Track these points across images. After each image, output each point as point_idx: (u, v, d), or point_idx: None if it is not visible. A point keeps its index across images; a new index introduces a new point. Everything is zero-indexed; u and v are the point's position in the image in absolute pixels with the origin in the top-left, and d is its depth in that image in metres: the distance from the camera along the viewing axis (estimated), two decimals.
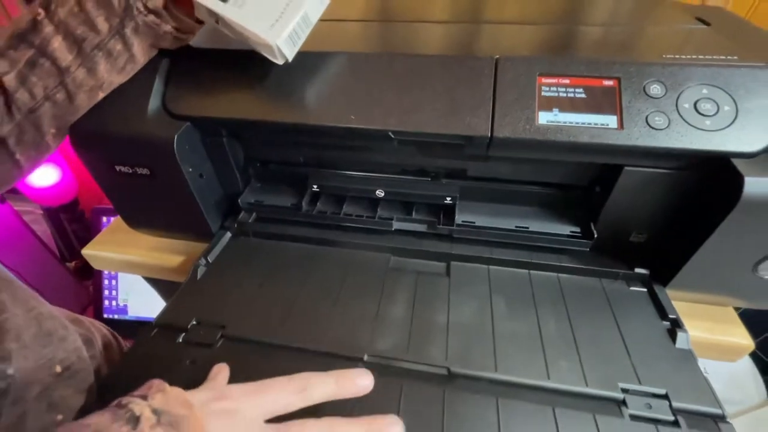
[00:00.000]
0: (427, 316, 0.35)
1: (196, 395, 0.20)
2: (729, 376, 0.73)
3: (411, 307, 0.36)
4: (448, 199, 0.40)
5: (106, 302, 1.09)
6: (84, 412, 0.25)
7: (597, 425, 0.27)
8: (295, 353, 0.32)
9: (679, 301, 0.37)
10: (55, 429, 0.17)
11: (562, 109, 0.32)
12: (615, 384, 0.29)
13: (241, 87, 0.37)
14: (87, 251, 0.50)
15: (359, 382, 0.26)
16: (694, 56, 0.33)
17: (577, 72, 0.33)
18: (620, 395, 0.29)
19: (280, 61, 0.33)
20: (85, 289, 1.21)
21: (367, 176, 0.42)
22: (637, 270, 0.37)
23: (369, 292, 0.37)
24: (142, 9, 0.32)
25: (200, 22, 0.36)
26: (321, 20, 0.34)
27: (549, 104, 0.32)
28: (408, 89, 0.34)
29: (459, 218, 0.40)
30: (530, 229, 0.39)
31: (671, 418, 0.27)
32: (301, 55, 0.34)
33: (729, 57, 0.32)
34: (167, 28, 0.34)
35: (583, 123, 0.31)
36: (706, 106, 0.30)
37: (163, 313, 0.35)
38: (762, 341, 0.83)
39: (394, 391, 0.29)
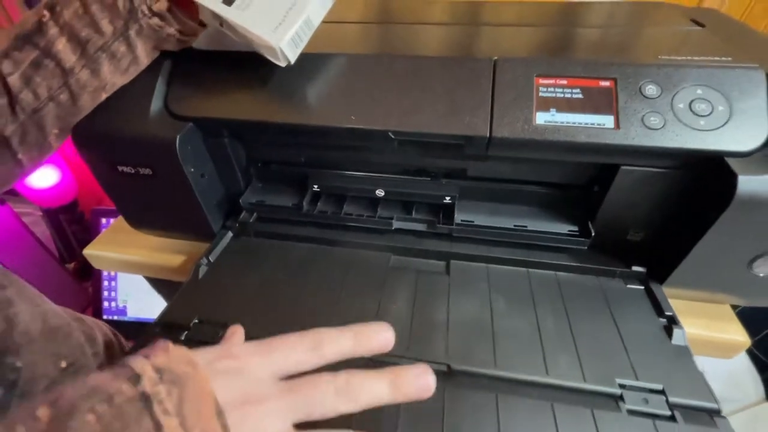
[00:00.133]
0: (427, 313, 0.35)
1: (201, 354, 0.19)
2: (727, 374, 0.74)
3: (411, 305, 0.36)
4: (448, 198, 0.41)
5: (106, 303, 1.10)
6: None
7: (595, 420, 0.27)
8: None
9: (676, 298, 0.38)
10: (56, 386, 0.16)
11: (560, 110, 0.32)
12: (612, 380, 0.30)
13: (243, 88, 0.37)
14: (88, 251, 0.50)
15: (380, 337, 0.23)
16: (689, 57, 0.33)
17: (574, 73, 0.33)
18: (618, 391, 0.29)
19: (282, 64, 0.33)
20: (84, 290, 1.21)
21: (368, 176, 0.43)
22: (634, 268, 0.38)
23: (369, 291, 0.37)
24: (146, 12, 0.32)
25: (203, 25, 0.36)
26: (322, 22, 0.34)
27: (546, 105, 0.33)
28: (408, 90, 0.35)
29: (458, 217, 0.40)
30: (529, 228, 0.39)
31: (668, 412, 0.28)
32: (302, 57, 0.34)
33: (723, 58, 0.33)
34: (171, 30, 0.34)
35: (580, 123, 0.32)
36: (700, 107, 0.31)
37: (166, 312, 0.35)
38: (759, 340, 0.83)
39: None
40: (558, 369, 0.31)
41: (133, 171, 0.38)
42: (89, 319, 0.38)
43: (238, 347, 0.20)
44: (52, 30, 0.31)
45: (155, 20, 0.33)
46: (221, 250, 0.43)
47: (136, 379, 0.16)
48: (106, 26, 0.32)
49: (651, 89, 0.32)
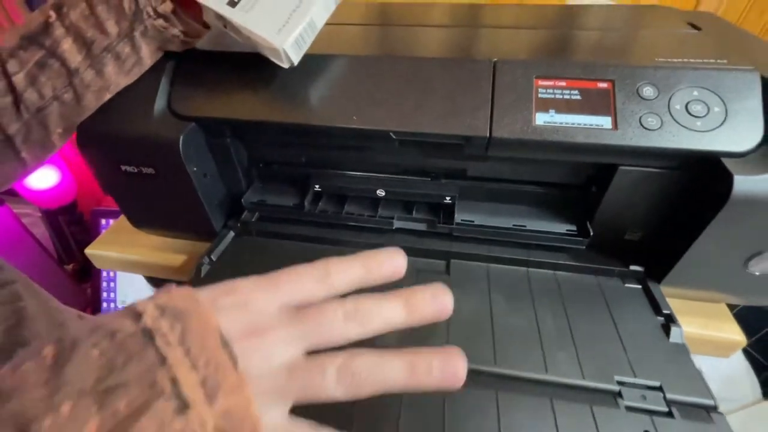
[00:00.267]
0: None
1: (203, 291, 0.18)
2: (724, 374, 0.74)
3: None
4: (448, 198, 0.41)
5: (105, 304, 1.10)
6: None
7: (594, 416, 0.28)
8: None
9: (673, 298, 0.38)
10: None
11: (559, 111, 0.33)
12: (611, 377, 0.30)
13: (246, 88, 0.38)
14: (90, 251, 0.50)
15: (391, 263, 0.21)
16: (685, 60, 0.34)
17: (572, 74, 0.34)
18: (616, 387, 0.29)
19: (285, 65, 0.34)
20: (83, 291, 1.21)
21: (369, 176, 0.43)
22: (632, 267, 0.38)
23: (370, 290, 0.37)
24: (151, 13, 0.33)
25: (206, 26, 0.36)
26: (324, 24, 0.35)
27: (545, 106, 0.33)
28: (409, 91, 0.35)
29: (458, 217, 0.41)
30: (528, 228, 0.40)
31: (665, 409, 0.28)
32: (304, 58, 0.35)
33: (719, 60, 0.33)
34: (175, 31, 0.35)
35: (579, 124, 0.32)
36: (696, 108, 0.31)
37: None
38: (757, 341, 0.84)
39: None
40: (557, 366, 0.31)
41: (136, 170, 0.39)
42: (90, 318, 0.38)
43: (242, 282, 0.19)
44: (58, 30, 0.32)
45: (160, 21, 0.34)
46: (223, 249, 0.43)
47: (137, 316, 0.16)
48: (112, 27, 0.32)
49: (648, 91, 0.32)
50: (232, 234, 0.45)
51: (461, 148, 0.35)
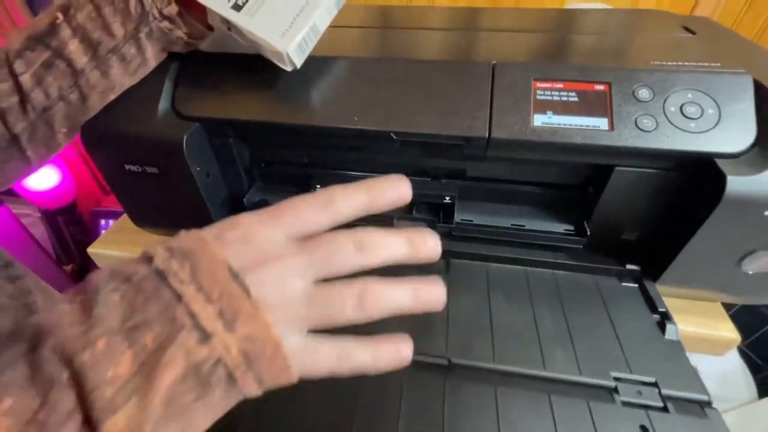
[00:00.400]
0: None
1: (208, 229, 0.18)
2: (721, 375, 0.75)
3: None
4: (448, 198, 0.42)
5: None
6: None
7: (590, 411, 0.28)
8: None
9: (669, 297, 0.39)
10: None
11: (556, 112, 0.34)
12: (607, 373, 0.31)
13: (248, 90, 0.38)
14: (92, 250, 0.50)
15: (395, 190, 0.21)
16: (680, 63, 0.34)
17: (570, 77, 0.34)
18: (612, 383, 0.30)
19: (289, 68, 0.34)
20: None
21: (369, 176, 0.43)
22: (629, 266, 0.39)
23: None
24: (157, 15, 0.33)
25: (210, 29, 0.37)
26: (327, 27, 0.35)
27: (543, 107, 0.34)
28: (409, 93, 0.36)
29: (458, 217, 0.41)
30: (526, 228, 0.40)
31: (660, 404, 0.29)
32: (307, 60, 0.35)
33: (712, 64, 0.34)
34: (179, 33, 0.35)
35: (576, 125, 0.33)
36: (691, 110, 0.32)
37: None
38: (752, 342, 0.85)
39: (396, 380, 0.30)
40: (555, 363, 0.32)
41: (140, 170, 0.39)
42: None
43: (245, 216, 0.19)
44: (65, 31, 0.32)
45: (165, 23, 0.34)
46: None
47: (149, 260, 0.17)
48: (118, 29, 0.33)
49: (644, 93, 0.33)
50: None
51: (461, 148, 0.36)
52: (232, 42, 0.37)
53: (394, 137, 0.36)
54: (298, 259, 0.18)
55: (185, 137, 0.37)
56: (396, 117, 0.35)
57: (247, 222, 0.19)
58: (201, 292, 0.16)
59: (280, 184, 0.46)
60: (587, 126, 0.33)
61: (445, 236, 0.42)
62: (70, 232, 1.29)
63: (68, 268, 1.28)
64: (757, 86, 0.32)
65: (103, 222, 1.10)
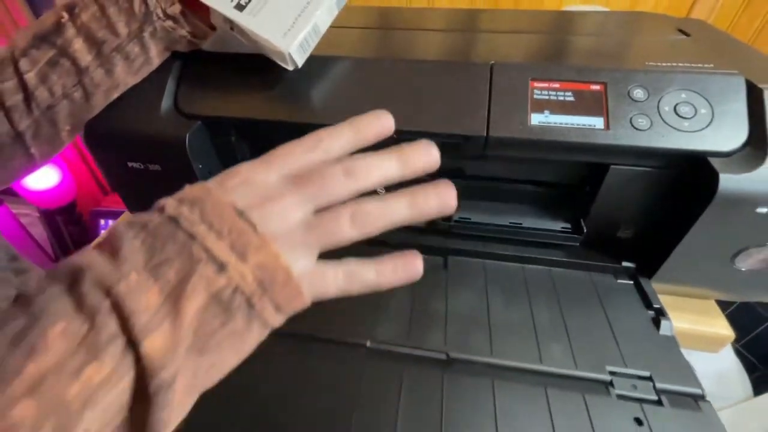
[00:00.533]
0: (426, 306, 0.37)
1: (209, 181, 0.20)
2: (717, 374, 0.75)
3: (411, 298, 0.37)
4: None
5: None
6: None
7: (586, 404, 0.29)
8: (300, 341, 0.34)
9: (664, 294, 0.39)
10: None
11: (553, 111, 0.34)
12: (603, 367, 0.31)
13: (250, 89, 0.39)
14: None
15: (379, 122, 0.22)
16: (674, 64, 0.35)
17: (566, 77, 0.35)
18: (608, 377, 0.31)
19: (290, 67, 0.35)
20: None
21: None
22: (624, 263, 0.40)
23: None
24: (160, 15, 0.34)
25: (213, 28, 0.38)
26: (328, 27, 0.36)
27: (541, 107, 0.34)
28: (409, 92, 0.37)
29: (456, 215, 0.42)
30: (524, 226, 0.41)
31: (655, 397, 0.29)
32: (308, 59, 0.36)
33: (706, 65, 0.35)
34: (183, 32, 0.36)
35: (572, 124, 0.34)
36: (684, 109, 0.33)
37: None
38: (748, 341, 0.85)
39: (396, 374, 0.31)
40: (551, 357, 0.32)
41: (142, 167, 0.40)
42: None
43: (241, 165, 0.20)
44: (70, 30, 0.33)
45: (169, 23, 0.35)
46: None
47: (161, 209, 0.18)
48: (122, 28, 0.33)
49: (638, 93, 0.33)
50: None
51: (460, 147, 0.36)
52: (235, 41, 0.37)
53: (394, 135, 0.36)
54: (294, 194, 0.20)
55: (188, 135, 0.37)
56: (396, 116, 0.36)
57: (245, 169, 0.20)
58: (212, 231, 0.17)
59: None
60: (583, 125, 0.33)
61: (443, 233, 0.43)
62: (69, 232, 1.29)
63: None
64: (749, 87, 0.32)
65: (102, 222, 1.11)
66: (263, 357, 0.33)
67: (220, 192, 0.19)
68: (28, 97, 0.33)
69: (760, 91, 0.32)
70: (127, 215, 0.47)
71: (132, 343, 0.16)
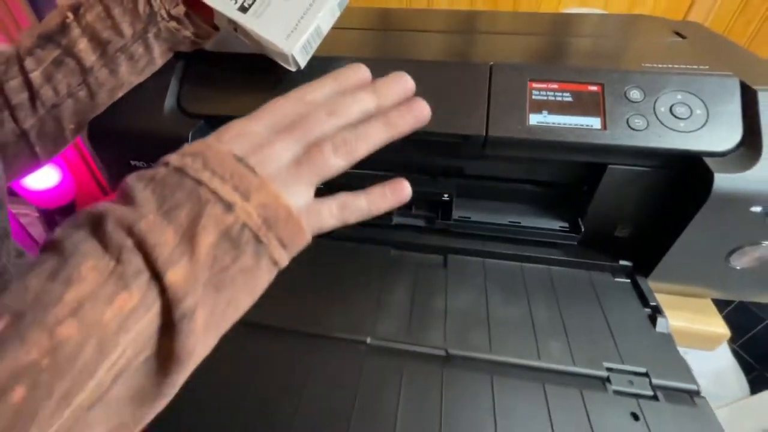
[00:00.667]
0: (426, 303, 0.37)
1: (207, 137, 0.22)
2: (714, 374, 0.76)
3: (411, 296, 0.38)
4: (446, 195, 0.43)
5: None
6: None
7: (583, 399, 0.29)
8: (302, 337, 0.34)
9: (661, 293, 0.40)
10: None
11: (551, 112, 0.35)
12: (600, 363, 0.32)
13: (252, 88, 0.39)
14: None
15: (358, 74, 0.25)
16: (670, 65, 0.36)
17: (564, 78, 0.36)
18: (605, 373, 0.31)
19: (293, 68, 0.35)
20: None
21: (369, 174, 0.44)
22: (621, 262, 0.40)
23: (371, 282, 0.39)
24: (165, 16, 0.34)
25: (216, 29, 0.38)
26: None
27: (539, 107, 0.35)
28: None
29: (456, 214, 0.42)
30: (522, 225, 0.42)
31: (651, 393, 0.30)
32: (310, 60, 0.36)
33: (701, 67, 0.35)
34: (186, 33, 0.36)
35: (570, 124, 0.34)
36: (680, 110, 0.33)
37: None
38: (745, 342, 0.86)
39: (396, 370, 0.31)
40: (549, 354, 0.33)
41: (145, 166, 0.39)
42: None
43: (235, 121, 0.22)
44: (75, 30, 0.33)
45: (173, 24, 0.35)
46: None
47: (166, 164, 0.20)
48: (127, 29, 0.34)
49: (635, 94, 0.34)
50: None
51: (459, 146, 0.37)
52: (237, 41, 0.38)
53: None
54: (284, 139, 0.22)
55: (190, 134, 0.38)
56: None
57: (237, 124, 0.22)
58: (216, 176, 0.19)
59: None
60: (581, 125, 0.34)
61: (443, 233, 0.43)
62: None
63: None
64: (744, 88, 0.33)
65: None
66: (264, 353, 0.33)
67: (218, 144, 0.21)
68: (33, 95, 0.34)
69: (754, 93, 0.32)
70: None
71: (156, 276, 0.17)
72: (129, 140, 0.39)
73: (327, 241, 0.44)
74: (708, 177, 0.31)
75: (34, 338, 0.15)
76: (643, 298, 0.37)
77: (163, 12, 0.34)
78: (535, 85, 0.36)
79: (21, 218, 1.16)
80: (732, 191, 0.31)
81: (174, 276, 0.17)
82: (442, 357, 0.33)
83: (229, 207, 0.19)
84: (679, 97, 0.34)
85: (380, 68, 0.39)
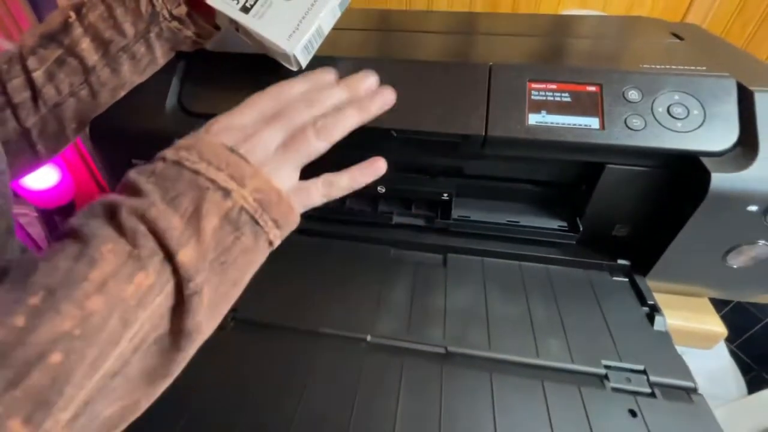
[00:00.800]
0: (425, 302, 0.37)
1: (195, 132, 0.24)
2: (712, 373, 0.76)
3: (410, 295, 0.38)
4: (445, 195, 0.43)
5: None
6: None
7: (582, 396, 0.30)
8: (303, 335, 0.34)
9: (658, 292, 0.40)
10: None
11: (550, 112, 0.35)
12: (598, 361, 0.32)
13: (253, 88, 0.39)
14: None
15: (327, 77, 0.29)
16: (668, 66, 0.36)
17: (563, 78, 0.36)
18: (603, 371, 0.31)
19: (294, 68, 0.36)
20: None
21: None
22: (620, 261, 0.40)
23: (371, 281, 0.39)
24: (166, 16, 0.35)
25: (218, 28, 0.38)
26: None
27: (538, 107, 0.35)
28: (409, 92, 0.37)
29: (455, 213, 0.43)
30: (521, 224, 0.42)
31: (648, 390, 0.30)
32: (311, 59, 0.37)
33: (699, 68, 0.36)
34: (188, 33, 0.36)
35: (569, 124, 0.34)
36: (677, 110, 0.33)
37: None
38: (743, 342, 0.86)
39: (396, 368, 0.31)
40: (548, 352, 0.33)
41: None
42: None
43: (218, 117, 0.25)
44: (77, 30, 0.33)
45: (174, 24, 0.35)
46: None
47: (162, 158, 0.22)
48: (129, 29, 0.34)
49: (633, 94, 0.34)
50: None
51: (458, 146, 0.37)
52: (238, 41, 0.38)
53: (394, 134, 0.37)
54: (269, 129, 0.24)
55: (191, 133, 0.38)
56: (396, 115, 0.36)
57: (223, 118, 0.24)
58: (211, 166, 0.21)
59: None
60: (579, 125, 0.34)
61: (442, 232, 0.44)
62: None
63: None
64: (740, 89, 0.33)
65: None
66: (265, 351, 0.33)
67: (209, 137, 0.23)
68: (35, 94, 0.34)
69: (751, 94, 0.32)
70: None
71: (168, 257, 0.19)
72: (130, 139, 0.40)
73: (326, 240, 0.44)
74: (705, 177, 0.31)
75: (67, 310, 0.17)
76: (641, 297, 0.38)
77: (165, 12, 0.34)
78: (534, 85, 0.36)
79: (20, 218, 1.16)
80: (729, 191, 0.31)
81: (184, 256, 0.19)
82: (441, 354, 0.33)
83: (227, 193, 0.21)
84: (677, 97, 0.34)
85: (380, 68, 0.39)
